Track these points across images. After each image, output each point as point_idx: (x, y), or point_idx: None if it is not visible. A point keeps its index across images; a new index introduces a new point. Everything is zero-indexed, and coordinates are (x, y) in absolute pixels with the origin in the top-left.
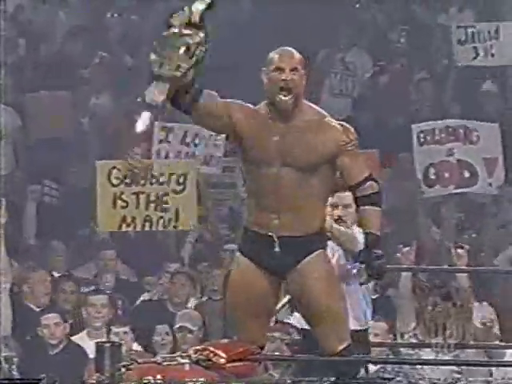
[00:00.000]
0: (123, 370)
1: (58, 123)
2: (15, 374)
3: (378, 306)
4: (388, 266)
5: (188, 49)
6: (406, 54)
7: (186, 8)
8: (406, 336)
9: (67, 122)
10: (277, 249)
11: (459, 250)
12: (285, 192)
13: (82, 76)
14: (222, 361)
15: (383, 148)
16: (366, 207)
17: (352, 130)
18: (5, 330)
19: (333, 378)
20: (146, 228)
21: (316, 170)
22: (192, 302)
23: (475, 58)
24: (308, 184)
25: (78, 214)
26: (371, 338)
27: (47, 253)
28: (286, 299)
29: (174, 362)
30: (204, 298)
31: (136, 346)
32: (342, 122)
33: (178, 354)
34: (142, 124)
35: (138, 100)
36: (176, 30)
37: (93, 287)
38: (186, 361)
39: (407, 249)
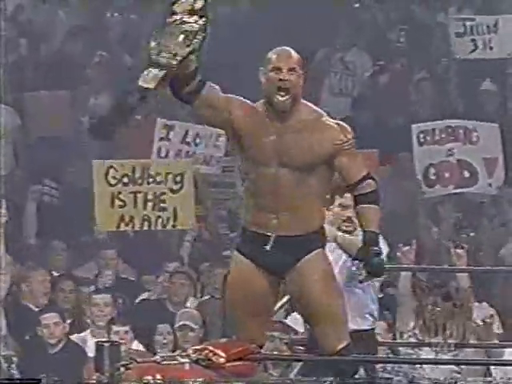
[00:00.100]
0: (122, 369)
1: (58, 122)
2: (15, 373)
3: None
4: (387, 266)
5: (187, 37)
6: (405, 53)
7: None
8: (406, 335)
9: (66, 122)
10: (268, 247)
11: (458, 250)
12: (283, 192)
13: (82, 75)
14: (222, 360)
15: (383, 148)
16: (365, 205)
17: (349, 129)
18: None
19: (332, 378)
20: (145, 227)
21: (313, 169)
22: (191, 302)
23: (474, 50)
24: (306, 184)
25: (78, 214)
26: None
27: (47, 252)
28: (285, 299)
29: (174, 362)
30: (206, 297)
31: (136, 345)
32: (339, 122)
33: (178, 353)
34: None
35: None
36: (177, 17)
37: (93, 287)
38: (186, 360)
39: (407, 248)
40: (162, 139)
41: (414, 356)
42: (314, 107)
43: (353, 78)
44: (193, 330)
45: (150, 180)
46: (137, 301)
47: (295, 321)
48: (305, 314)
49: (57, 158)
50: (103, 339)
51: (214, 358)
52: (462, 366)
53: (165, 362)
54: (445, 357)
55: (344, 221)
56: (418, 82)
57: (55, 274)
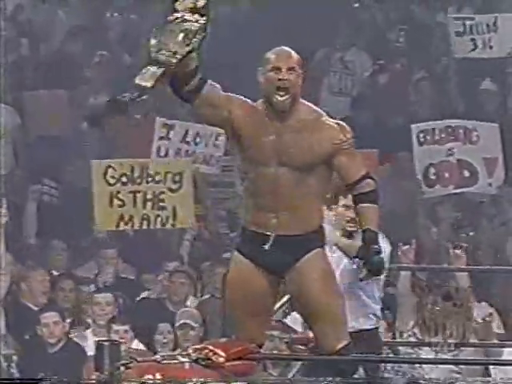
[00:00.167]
0: (122, 368)
1: (57, 121)
2: (14, 372)
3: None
4: (387, 265)
5: (186, 36)
6: (405, 53)
7: None
8: (405, 335)
9: (66, 121)
10: (266, 246)
11: (457, 251)
12: (282, 191)
13: (82, 75)
14: (222, 360)
15: (382, 147)
16: (364, 205)
17: (348, 128)
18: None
19: (331, 378)
20: (144, 226)
21: (313, 169)
22: (191, 301)
23: (473, 49)
24: (305, 183)
25: (78, 214)
26: None
27: (47, 252)
28: (285, 298)
29: (174, 361)
30: (206, 296)
31: (137, 344)
32: (338, 121)
33: (178, 352)
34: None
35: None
36: (179, 15)
37: (93, 286)
38: (186, 359)
39: (407, 247)
40: (161, 138)
41: (414, 355)
42: (313, 107)
43: (352, 77)
44: (193, 329)
45: (149, 179)
46: (137, 299)
47: (295, 320)
48: (304, 314)
49: (56, 157)
50: (103, 338)
51: (213, 358)
52: (462, 366)
53: (165, 362)
54: (444, 357)
55: (348, 221)
56: (418, 81)
57: (55, 273)
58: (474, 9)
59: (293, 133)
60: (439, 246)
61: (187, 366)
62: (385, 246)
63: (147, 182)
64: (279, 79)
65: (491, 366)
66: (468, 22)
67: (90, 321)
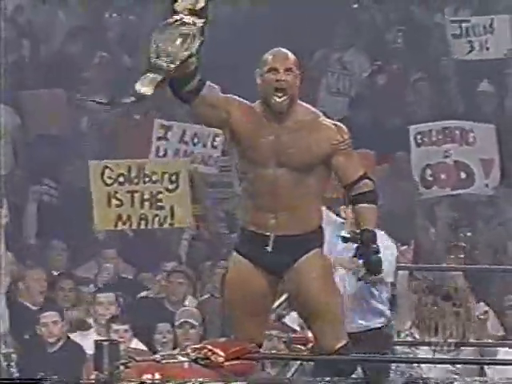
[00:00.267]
0: (122, 368)
1: (56, 120)
2: (14, 371)
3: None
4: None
5: (184, 41)
6: (403, 54)
7: None
8: (403, 334)
9: (65, 120)
10: (269, 248)
11: (455, 251)
12: (281, 192)
13: (82, 76)
14: (221, 359)
15: (380, 148)
16: (362, 205)
17: (345, 129)
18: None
19: (329, 378)
20: (142, 226)
21: (311, 169)
22: (190, 301)
23: (470, 51)
24: (304, 184)
25: (78, 213)
26: None
27: (47, 252)
28: (283, 298)
29: (173, 361)
30: (205, 296)
31: (136, 343)
32: (335, 122)
33: (177, 352)
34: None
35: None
36: (177, 17)
37: (92, 285)
38: (185, 359)
39: (405, 247)
40: (160, 139)
41: (411, 355)
42: (311, 108)
43: (350, 78)
44: (193, 327)
45: (146, 179)
46: (135, 300)
47: (293, 320)
48: (303, 313)
49: (55, 156)
50: (102, 338)
51: (212, 357)
52: (459, 366)
53: (164, 361)
54: (443, 357)
55: (353, 224)
56: (415, 82)
57: (55, 273)
58: (471, 10)
59: (291, 133)
60: (437, 246)
61: (186, 365)
62: (390, 245)
63: (144, 182)
64: (277, 80)
65: (486, 366)
66: (464, 25)
67: (92, 320)
